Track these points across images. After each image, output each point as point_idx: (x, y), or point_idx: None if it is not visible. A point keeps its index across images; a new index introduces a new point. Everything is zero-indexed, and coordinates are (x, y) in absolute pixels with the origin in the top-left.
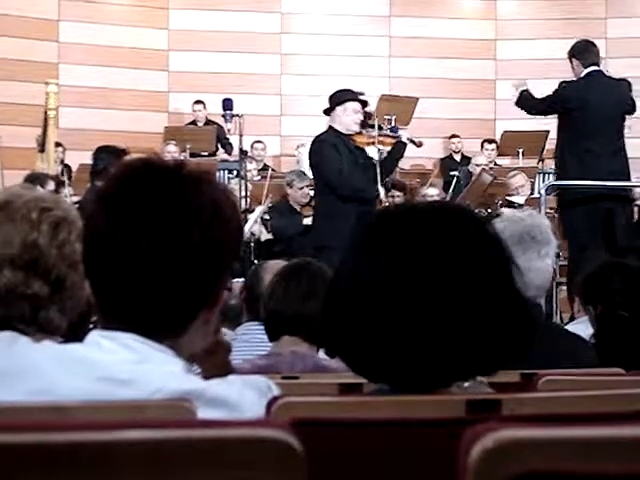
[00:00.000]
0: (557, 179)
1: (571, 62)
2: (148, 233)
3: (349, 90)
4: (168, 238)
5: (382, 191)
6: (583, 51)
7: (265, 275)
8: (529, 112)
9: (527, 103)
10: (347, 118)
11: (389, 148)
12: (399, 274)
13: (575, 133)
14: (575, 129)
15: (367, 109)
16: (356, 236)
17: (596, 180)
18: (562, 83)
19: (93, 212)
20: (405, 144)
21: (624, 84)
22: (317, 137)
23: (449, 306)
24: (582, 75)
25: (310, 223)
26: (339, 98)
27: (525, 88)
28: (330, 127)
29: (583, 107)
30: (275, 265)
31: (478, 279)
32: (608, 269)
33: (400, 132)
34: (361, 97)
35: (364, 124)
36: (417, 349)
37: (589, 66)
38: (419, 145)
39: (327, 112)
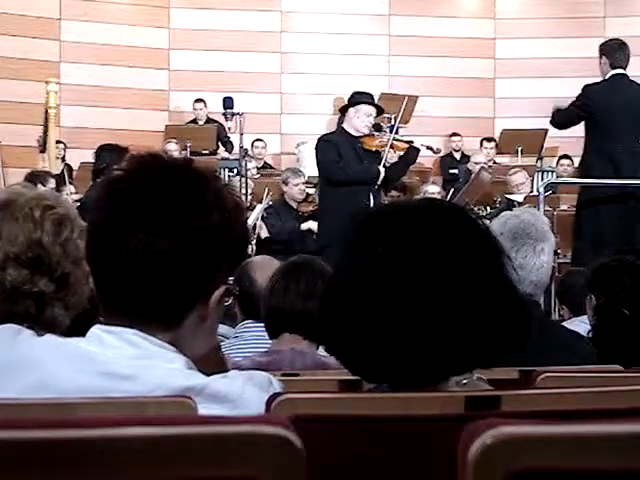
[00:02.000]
0: (580, 178)
1: (600, 59)
2: (147, 218)
3: (367, 93)
4: (167, 224)
5: (382, 172)
6: (614, 51)
7: (255, 274)
8: (562, 126)
9: (558, 116)
10: (357, 120)
11: (400, 152)
12: (390, 272)
13: (599, 135)
14: (599, 131)
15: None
16: (349, 235)
17: (616, 179)
18: (586, 86)
19: (96, 198)
20: (418, 150)
21: None
22: (324, 135)
23: (441, 301)
24: (607, 77)
25: (307, 228)
26: (354, 99)
27: (560, 107)
28: (341, 127)
29: (606, 109)
30: (261, 262)
31: (470, 273)
32: (622, 265)
33: (412, 138)
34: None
35: (375, 128)
36: (410, 345)
37: (616, 68)
38: (437, 151)
39: (342, 111)
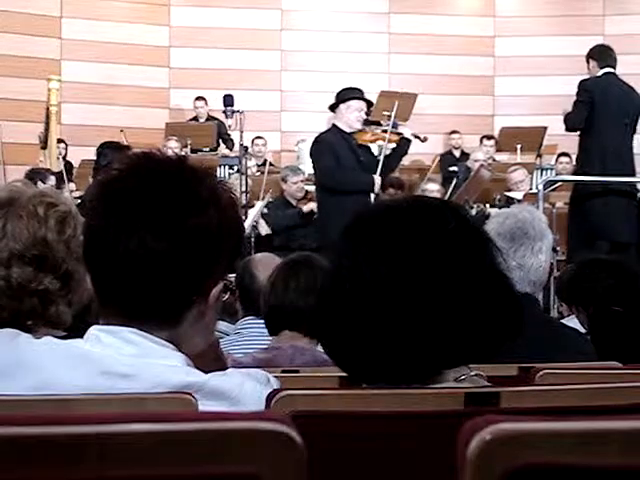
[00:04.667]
0: (578, 174)
1: (588, 63)
2: (143, 218)
3: (356, 88)
4: (163, 223)
5: (378, 181)
6: (601, 53)
7: (256, 271)
8: (578, 125)
9: (570, 119)
10: (350, 116)
11: (393, 145)
12: (380, 271)
13: (596, 128)
14: (596, 124)
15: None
16: (339, 236)
17: (614, 175)
18: (582, 80)
19: (91, 198)
20: (410, 140)
21: (636, 94)
22: (318, 136)
23: (432, 296)
24: (599, 74)
25: (307, 210)
26: (344, 96)
27: (567, 110)
28: (334, 125)
29: (604, 100)
30: (263, 259)
31: (459, 267)
32: (591, 267)
33: (402, 129)
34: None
35: (367, 122)
36: (402, 341)
37: (605, 67)
38: (424, 140)
39: (332, 109)
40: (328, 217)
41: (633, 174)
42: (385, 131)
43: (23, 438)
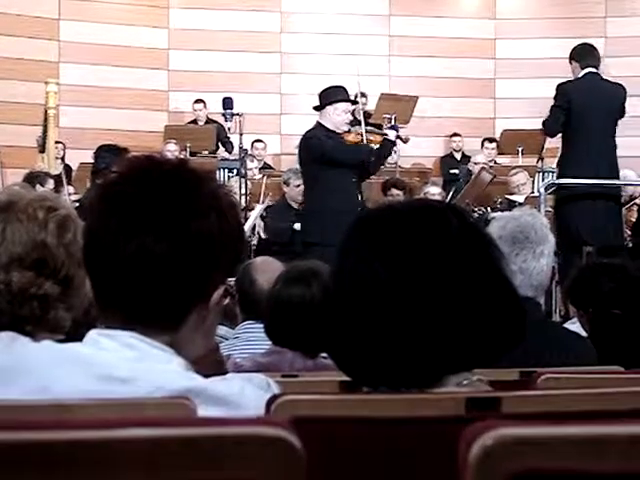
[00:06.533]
0: (558, 177)
1: (570, 64)
2: (144, 221)
3: (340, 87)
4: (164, 226)
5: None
6: (582, 53)
7: (256, 275)
8: (555, 130)
9: (547, 124)
10: (337, 118)
11: (376, 146)
12: (381, 275)
13: (574, 132)
14: (574, 128)
15: (367, 108)
16: (341, 239)
17: (593, 178)
18: (560, 84)
19: (92, 202)
20: (393, 142)
21: (620, 89)
22: (306, 133)
23: (434, 300)
24: (579, 75)
25: (299, 228)
26: (330, 97)
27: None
28: (319, 123)
29: (581, 104)
30: (263, 262)
31: (461, 272)
32: (593, 271)
33: (386, 130)
34: (356, 97)
35: (352, 123)
36: (405, 346)
37: (586, 67)
38: (405, 141)
39: (317, 109)
40: (314, 217)
41: (615, 177)
42: (368, 131)
43: (21, 443)
